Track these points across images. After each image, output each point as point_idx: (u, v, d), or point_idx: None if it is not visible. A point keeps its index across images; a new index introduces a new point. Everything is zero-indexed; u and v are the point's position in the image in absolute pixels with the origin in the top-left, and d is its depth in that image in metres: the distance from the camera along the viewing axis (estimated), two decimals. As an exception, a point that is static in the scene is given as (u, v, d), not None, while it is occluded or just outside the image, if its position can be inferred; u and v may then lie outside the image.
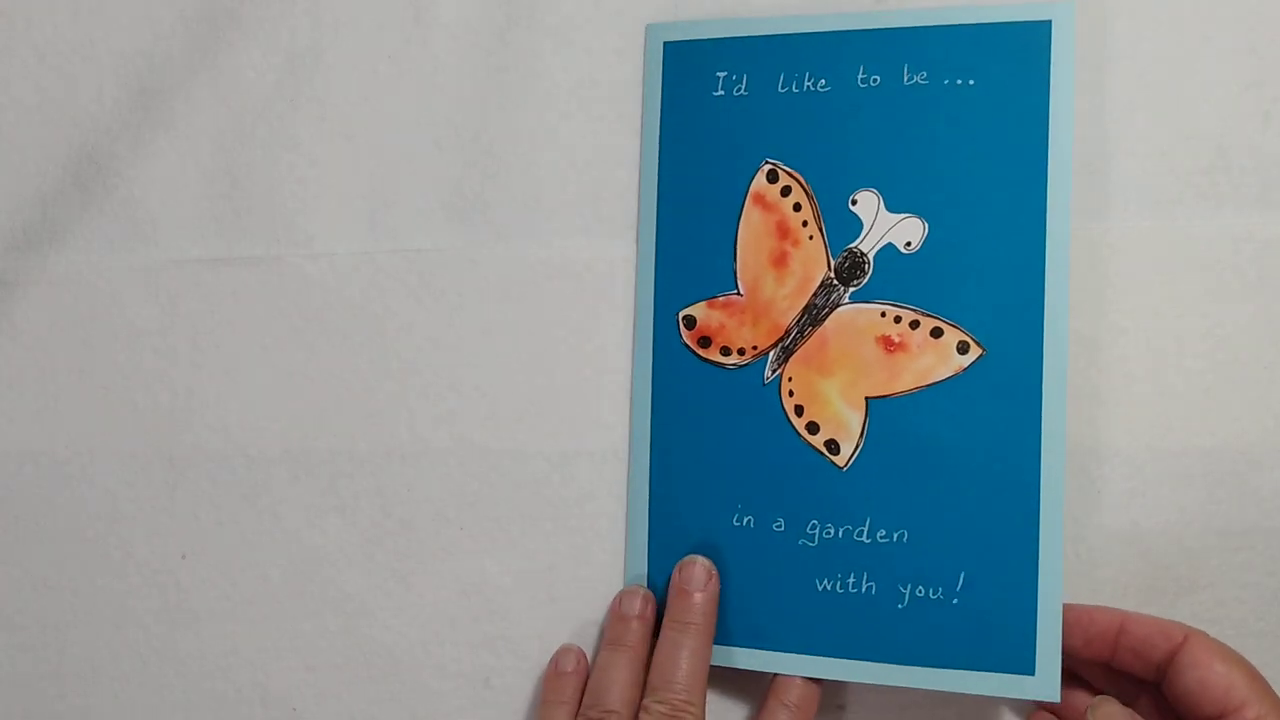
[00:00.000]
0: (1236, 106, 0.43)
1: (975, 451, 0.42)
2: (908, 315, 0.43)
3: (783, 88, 0.44)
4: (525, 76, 0.46)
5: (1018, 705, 0.43)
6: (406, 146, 0.46)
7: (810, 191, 0.44)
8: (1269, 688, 0.37)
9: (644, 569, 0.44)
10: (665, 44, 0.45)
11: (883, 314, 0.43)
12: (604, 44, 0.46)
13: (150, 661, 0.47)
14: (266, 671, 0.46)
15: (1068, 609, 0.41)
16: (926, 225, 0.43)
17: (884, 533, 0.42)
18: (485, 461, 0.46)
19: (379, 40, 0.47)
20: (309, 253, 0.47)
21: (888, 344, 0.43)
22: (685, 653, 0.41)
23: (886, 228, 0.43)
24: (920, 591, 0.42)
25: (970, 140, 0.42)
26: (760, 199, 0.44)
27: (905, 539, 0.42)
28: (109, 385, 0.47)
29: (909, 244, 0.43)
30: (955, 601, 0.41)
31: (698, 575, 0.43)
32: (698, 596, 0.42)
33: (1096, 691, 0.41)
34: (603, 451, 0.45)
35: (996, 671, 0.41)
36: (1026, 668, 0.40)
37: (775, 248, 0.44)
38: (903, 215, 0.43)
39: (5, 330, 0.47)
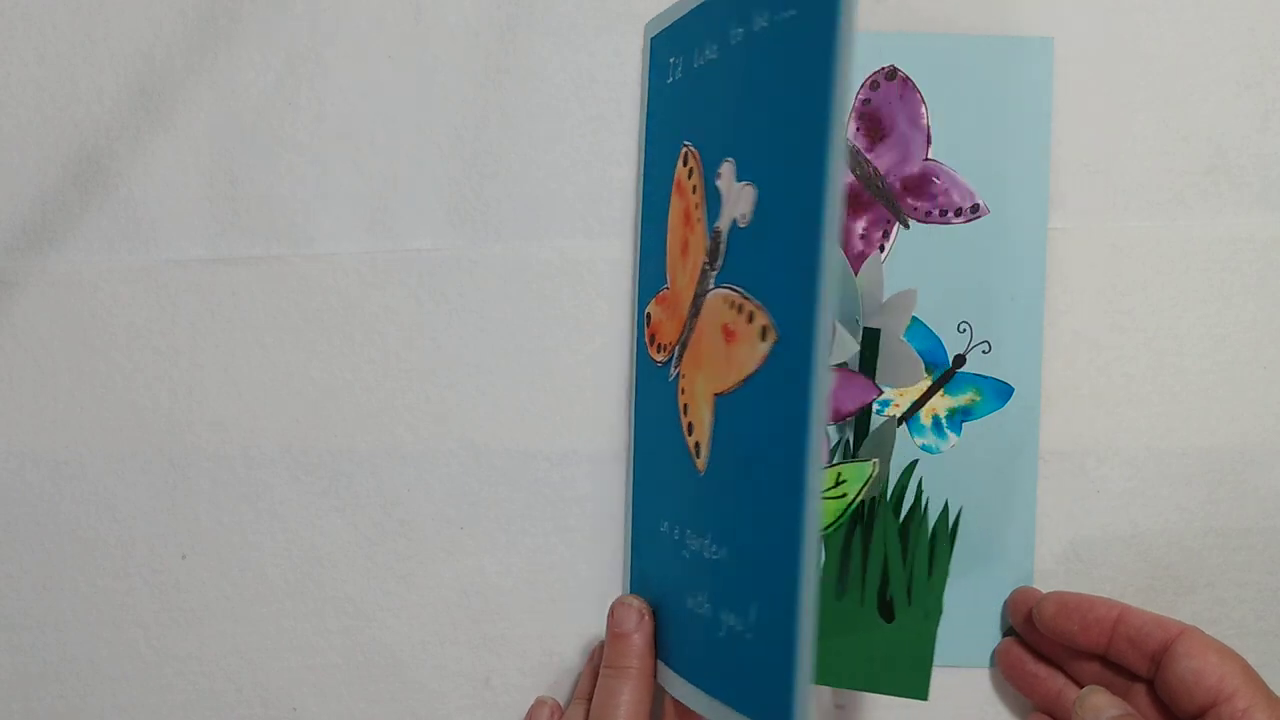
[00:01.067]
0: (1236, 106, 0.43)
1: (765, 459, 0.34)
2: (737, 299, 0.36)
3: (697, 63, 0.40)
4: (525, 77, 0.46)
5: (1016, 705, 0.43)
6: (406, 146, 0.46)
7: (702, 170, 0.39)
8: (1262, 683, 0.37)
9: (631, 573, 0.45)
10: (651, 39, 0.45)
11: (724, 299, 0.37)
12: (604, 44, 0.46)
13: (150, 661, 0.47)
14: (266, 671, 0.46)
15: (1068, 595, 0.41)
16: (757, 192, 0.35)
17: (715, 549, 0.36)
18: (485, 461, 0.46)
19: (379, 40, 0.47)
20: (309, 253, 0.47)
21: (727, 333, 0.36)
22: (623, 698, 0.39)
23: (734, 201, 0.37)
24: (730, 620, 0.35)
25: (786, 86, 0.34)
26: (679, 185, 0.41)
27: (724, 557, 0.36)
28: (109, 385, 0.47)
29: (744, 216, 0.36)
30: (749, 636, 0.34)
31: (630, 617, 0.40)
32: (634, 639, 0.40)
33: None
34: (602, 452, 0.45)
35: None
36: None
37: (682, 235, 0.40)
38: (744, 184, 0.36)
39: (5, 330, 0.47)
